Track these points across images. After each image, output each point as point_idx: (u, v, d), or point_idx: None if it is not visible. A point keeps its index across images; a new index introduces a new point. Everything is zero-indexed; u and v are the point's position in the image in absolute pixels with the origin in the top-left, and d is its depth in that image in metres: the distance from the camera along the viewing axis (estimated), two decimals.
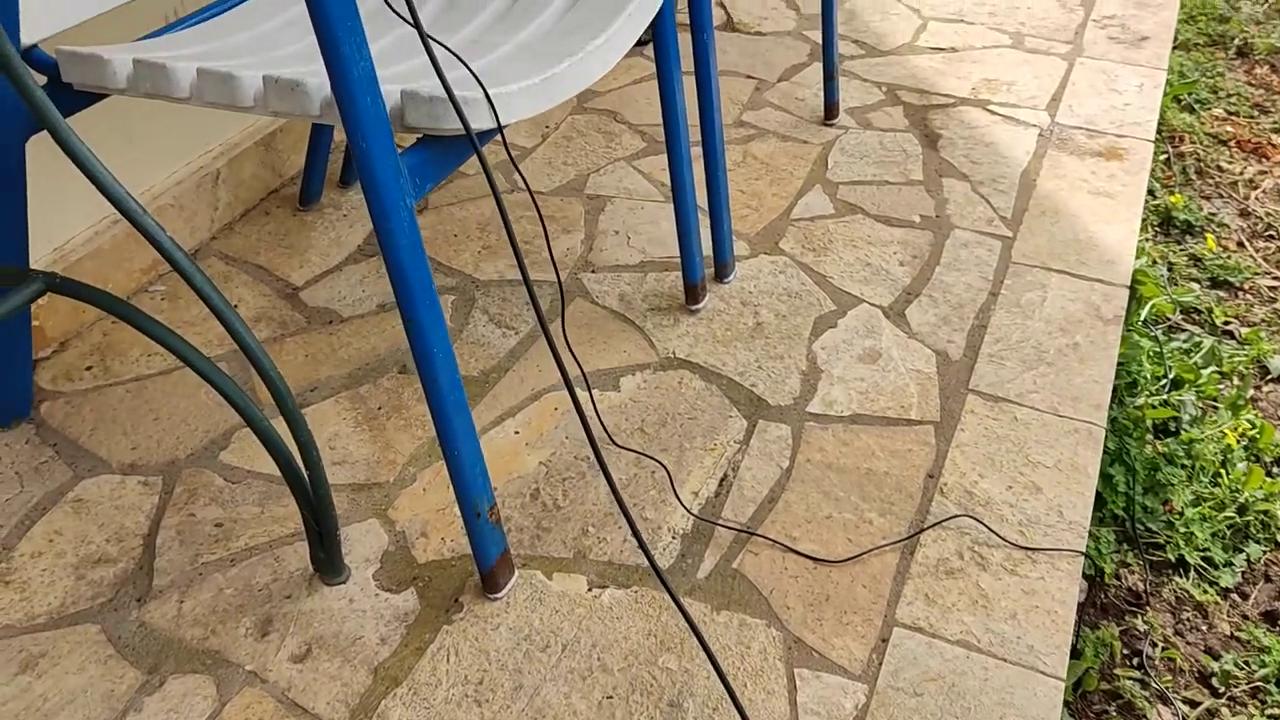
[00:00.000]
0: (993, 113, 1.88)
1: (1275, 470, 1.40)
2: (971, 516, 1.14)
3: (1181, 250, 1.78)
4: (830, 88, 1.84)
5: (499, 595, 1.05)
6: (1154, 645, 1.19)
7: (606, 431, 1.24)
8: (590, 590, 1.07)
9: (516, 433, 1.25)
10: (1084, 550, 1.11)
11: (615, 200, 1.66)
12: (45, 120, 0.88)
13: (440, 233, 1.58)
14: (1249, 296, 1.69)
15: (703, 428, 1.26)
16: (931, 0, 2.28)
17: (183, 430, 1.24)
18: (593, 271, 1.51)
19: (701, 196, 1.44)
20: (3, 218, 1.03)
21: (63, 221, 1.33)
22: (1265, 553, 1.29)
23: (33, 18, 0.98)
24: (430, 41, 0.82)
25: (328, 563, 1.06)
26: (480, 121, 0.88)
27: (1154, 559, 1.29)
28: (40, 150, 1.04)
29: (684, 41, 1.29)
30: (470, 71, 0.87)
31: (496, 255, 1.54)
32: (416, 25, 0.81)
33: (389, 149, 0.83)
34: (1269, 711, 1.12)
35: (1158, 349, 1.53)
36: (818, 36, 2.15)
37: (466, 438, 0.97)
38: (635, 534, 0.99)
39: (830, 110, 1.86)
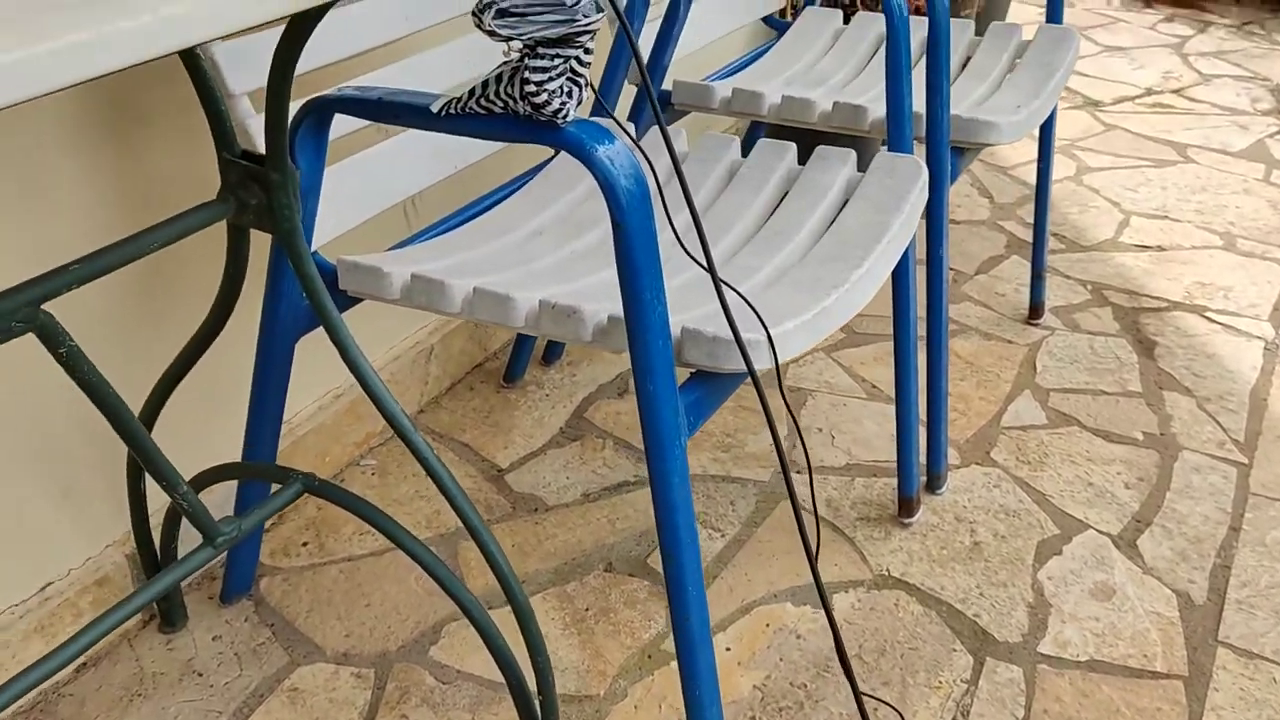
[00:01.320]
0: (1211, 320, 1.80)
1: None
2: None
3: None
4: (1038, 287, 1.80)
5: None
6: None
7: (843, 658, 1.18)
8: None
9: (728, 649, 1.20)
10: None
11: (817, 395, 1.63)
12: (328, 325, 0.90)
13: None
14: None
15: (925, 661, 1.19)
16: (1132, 194, 2.23)
17: (394, 619, 1.23)
18: (797, 472, 1.47)
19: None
20: (267, 412, 1.06)
21: (292, 398, 1.37)
22: None
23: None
24: (721, 285, 0.82)
25: None
26: (757, 360, 0.87)
27: None
28: None
29: None
30: (754, 311, 0.86)
31: (699, 448, 1.51)
32: (711, 270, 0.81)
33: (673, 390, 0.82)
34: None
35: None
36: (1014, 227, 2.12)
37: (708, 678, 0.92)
38: None
39: (1035, 309, 1.81)
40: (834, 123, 1.35)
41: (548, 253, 1.11)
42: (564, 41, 0.71)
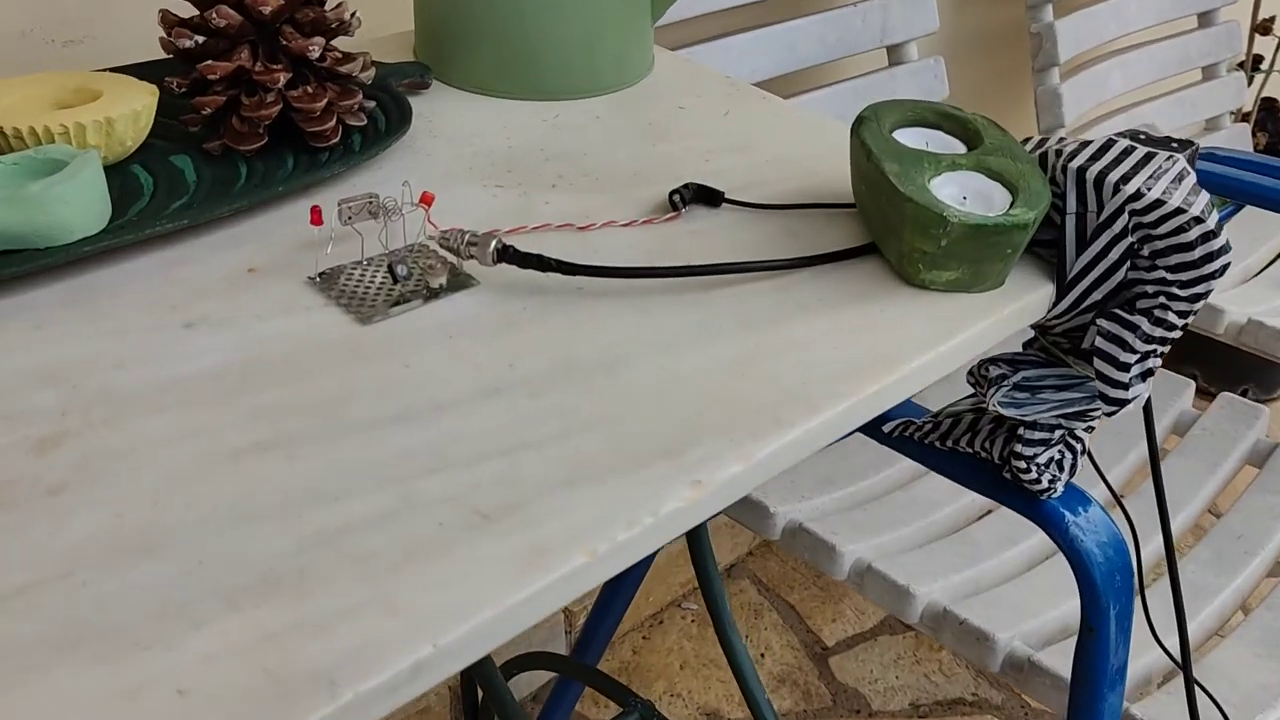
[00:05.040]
0: None
1: None
2: None
3: None
4: None
5: None
6: None
7: None
8: None
9: None
10: None
11: None
12: (695, 549, 0.82)
13: None
14: None
15: None
16: None
17: None
18: None
19: None
20: (611, 615, 1.01)
21: None
22: None
23: None
24: (1194, 687, 0.66)
25: None
26: None
27: None
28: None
29: None
30: (1222, 713, 0.70)
31: None
32: (1186, 671, 0.65)
33: None
34: None
35: None
36: None
37: None
38: None
39: None
40: None
41: (946, 500, 0.97)
42: (1072, 415, 0.57)
